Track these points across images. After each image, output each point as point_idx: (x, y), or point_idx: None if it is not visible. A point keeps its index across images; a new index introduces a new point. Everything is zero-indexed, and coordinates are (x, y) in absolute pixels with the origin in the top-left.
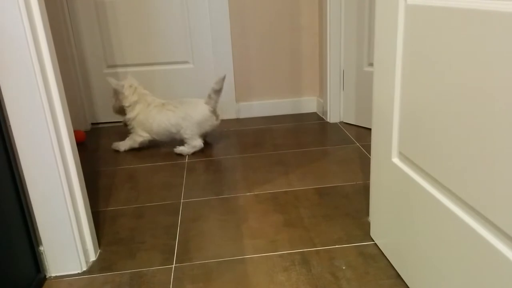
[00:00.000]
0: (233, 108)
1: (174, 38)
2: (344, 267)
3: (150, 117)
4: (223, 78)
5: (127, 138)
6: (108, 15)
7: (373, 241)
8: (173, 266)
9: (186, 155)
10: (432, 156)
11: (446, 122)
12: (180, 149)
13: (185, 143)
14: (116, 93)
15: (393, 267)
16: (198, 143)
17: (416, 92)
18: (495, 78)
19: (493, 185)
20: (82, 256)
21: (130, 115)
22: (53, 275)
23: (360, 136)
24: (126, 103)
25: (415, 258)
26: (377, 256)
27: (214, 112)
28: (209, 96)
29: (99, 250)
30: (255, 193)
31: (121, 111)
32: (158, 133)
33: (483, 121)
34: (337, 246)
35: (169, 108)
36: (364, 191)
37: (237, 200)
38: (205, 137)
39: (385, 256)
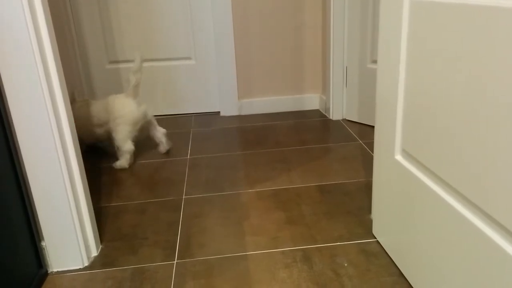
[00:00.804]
0: (235, 105)
1: (176, 34)
2: (345, 264)
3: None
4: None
5: None
6: (110, 10)
7: (375, 238)
8: (175, 262)
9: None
10: (435, 153)
11: (449, 119)
12: (118, 164)
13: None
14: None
15: (395, 264)
16: (129, 146)
17: (420, 89)
18: (499, 75)
19: (496, 182)
20: (84, 251)
21: None
22: (55, 270)
23: (362, 133)
24: None
25: (417, 255)
26: (379, 254)
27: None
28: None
29: (101, 246)
30: (257, 190)
31: None
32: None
33: (487, 118)
34: (338, 243)
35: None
36: (366, 188)
37: (238, 197)
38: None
39: (387, 254)
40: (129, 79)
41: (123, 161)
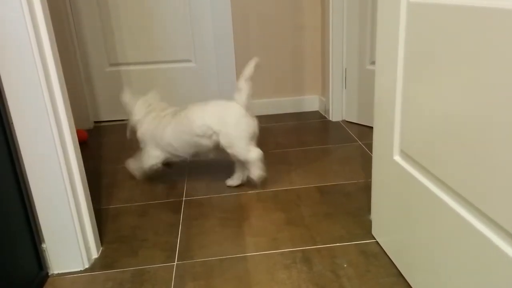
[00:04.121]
0: None
1: (177, 37)
2: (345, 265)
3: (160, 128)
4: (255, 63)
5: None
6: (110, 13)
7: (375, 239)
8: (175, 263)
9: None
10: (433, 154)
11: (447, 120)
12: (232, 181)
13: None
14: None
15: (394, 265)
16: (255, 153)
17: (418, 90)
18: (497, 76)
19: (494, 183)
20: (84, 253)
21: (138, 131)
22: (55, 272)
23: (362, 134)
24: (133, 118)
25: (417, 256)
26: (379, 254)
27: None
28: (240, 91)
29: (101, 248)
30: (257, 191)
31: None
32: (175, 147)
33: (486, 119)
34: (338, 244)
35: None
36: (366, 189)
37: (238, 198)
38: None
39: (387, 254)
40: (238, 87)
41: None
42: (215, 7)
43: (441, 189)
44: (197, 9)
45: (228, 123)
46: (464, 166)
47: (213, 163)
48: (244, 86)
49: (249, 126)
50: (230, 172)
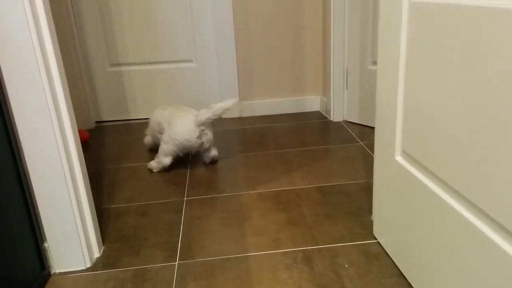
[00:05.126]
0: (236, 107)
1: (178, 37)
2: (346, 265)
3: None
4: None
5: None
6: (112, 13)
7: (376, 239)
8: (176, 263)
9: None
10: (435, 154)
11: (449, 120)
12: (150, 164)
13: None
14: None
15: (396, 265)
16: (167, 161)
17: (419, 90)
18: (499, 76)
19: (496, 183)
20: (86, 253)
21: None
22: (57, 271)
23: (363, 134)
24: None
25: (418, 256)
26: (380, 255)
27: (201, 129)
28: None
29: (103, 247)
30: (258, 191)
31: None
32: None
33: (487, 119)
34: (339, 244)
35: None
36: (367, 189)
37: (240, 198)
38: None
39: (388, 255)
40: (213, 107)
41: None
42: (216, 7)
43: (442, 189)
44: (198, 9)
45: (172, 126)
46: (466, 166)
47: (213, 163)
48: (215, 109)
49: (185, 137)
50: (231, 172)
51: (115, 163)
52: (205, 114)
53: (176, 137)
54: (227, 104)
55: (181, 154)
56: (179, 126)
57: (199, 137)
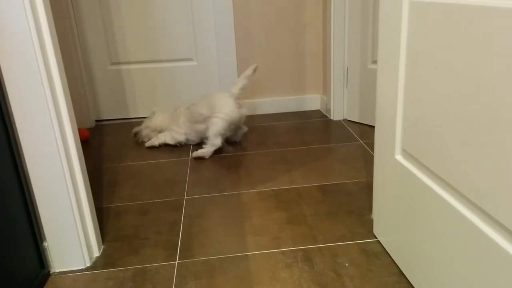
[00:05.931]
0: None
1: (178, 36)
2: (346, 264)
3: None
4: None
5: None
6: (112, 12)
7: (376, 238)
8: (176, 262)
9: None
10: (435, 153)
11: (449, 119)
12: (199, 152)
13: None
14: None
15: (396, 264)
16: (218, 142)
17: (419, 89)
18: (499, 76)
19: (497, 182)
20: (86, 252)
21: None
22: (57, 270)
23: (363, 133)
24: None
25: (418, 255)
26: (380, 254)
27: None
28: (235, 84)
29: (102, 246)
30: (258, 190)
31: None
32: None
33: (487, 118)
34: (339, 243)
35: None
36: (367, 188)
37: (240, 197)
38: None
39: (388, 254)
40: (237, 80)
41: (204, 151)
42: (217, 5)
43: (443, 188)
44: (198, 8)
45: (219, 107)
46: (466, 165)
47: (214, 161)
48: (240, 80)
49: (233, 112)
50: (231, 171)
51: (115, 162)
52: (236, 88)
53: (226, 115)
54: (247, 72)
55: (228, 134)
56: (224, 105)
57: (240, 111)
